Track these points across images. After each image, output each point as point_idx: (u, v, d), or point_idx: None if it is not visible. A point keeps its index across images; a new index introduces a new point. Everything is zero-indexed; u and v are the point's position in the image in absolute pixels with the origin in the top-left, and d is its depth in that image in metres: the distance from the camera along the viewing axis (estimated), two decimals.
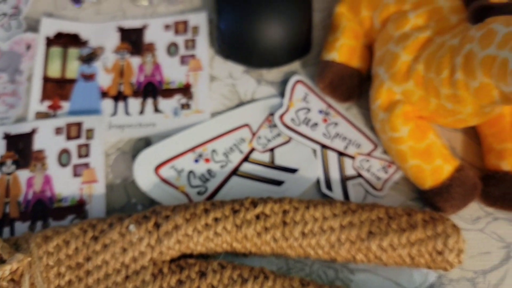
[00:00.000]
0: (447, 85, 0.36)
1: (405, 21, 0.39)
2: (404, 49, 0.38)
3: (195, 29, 0.47)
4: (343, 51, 0.43)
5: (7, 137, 0.42)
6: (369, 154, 0.43)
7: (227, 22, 0.43)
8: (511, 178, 0.39)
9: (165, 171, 0.41)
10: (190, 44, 0.46)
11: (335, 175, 0.42)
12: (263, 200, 0.37)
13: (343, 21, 0.44)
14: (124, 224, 0.36)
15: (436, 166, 0.38)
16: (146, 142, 0.43)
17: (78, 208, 0.40)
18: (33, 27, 0.47)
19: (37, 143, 0.41)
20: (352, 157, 0.43)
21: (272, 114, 0.44)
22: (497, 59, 0.31)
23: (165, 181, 0.40)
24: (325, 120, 0.44)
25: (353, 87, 0.43)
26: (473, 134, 0.43)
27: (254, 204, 0.37)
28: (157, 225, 0.36)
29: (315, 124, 0.43)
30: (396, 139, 0.39)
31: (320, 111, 0.44)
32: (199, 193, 0.41)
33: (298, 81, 0.45)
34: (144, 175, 0.40)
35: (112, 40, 0.46)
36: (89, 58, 0.45)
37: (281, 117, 0.43)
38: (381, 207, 0.37)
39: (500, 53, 0.31)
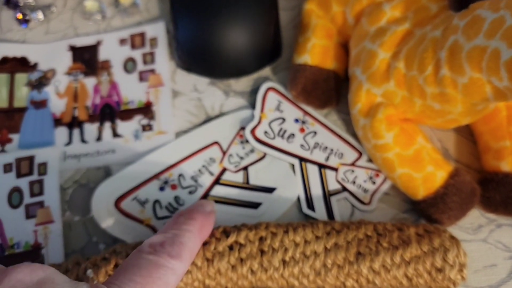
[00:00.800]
0: (432, 83, 0.31)
1: (380, 14, 0.35)
2: (381, 46, 0.34)
3: (153, 41, 0.42)
4: (315, 52, 0.38)
5: None
6: (353, 164, 0.39)
7: (184, 32, 0.39)
8: (511, 179, 0.34)
9: (127, 204, 0.37)
10: (149, 58, 0.42)
11: (317, 191, 0.37)
12: (236, 228, 0.33)
13: (313, 19, 0.39)
14: (81, 269, 0.32)
15: (428, 173, 0.34)
16: (106, 172, 0.38)
17: (33, 253, 0.35)
18: None
19: None
20: (334, 169, 0.38)
21: (243, 128, 0.39)
22: (487, 50, 0.27)
23: (127, 215, 0.36)
24: (302, 130, 0.39)
25: (329, 91, 0.39)
26: (467, 132, 0.39)
27: (226, 233, 0.33)
28: (117, 268, 0.32)
29: (292, 135, 0.39)
30: (380, 147, 0.35)
31: (296, 120, 0.40)
32: None
33: (269, 89, 0.40)
34: (104, 211, 0.36)
35: (63, 61, 0.42)
36: (39, 83, 0.41)
37: (252, 130, 0.39)
38: (368, 224, 0.33)
39: (489, 43, 0.27)
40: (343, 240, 0.32)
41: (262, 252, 0.32)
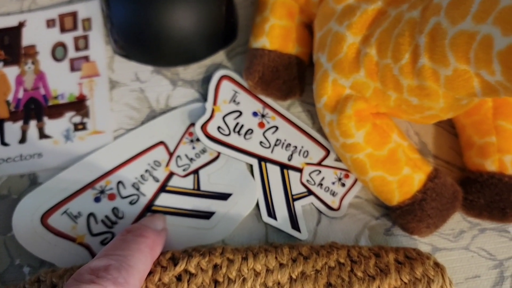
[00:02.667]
0: (409, 74, 0.26)
1: None
2: (349, 28, 0.29)
3: (87, 22, 0.36)
4: (275, 34, 0.33)
5: None
6: (320, 164, 0.34)
7: (118, 11, 0.33)
8: (498, 181, 0.30)
9: (56, 219, 0.31)
10: (82, 43, 0.36)
11: (278, 196, 0.33)
12: (186, 254, 0.28)
13: None
14: None
15: (404, 176, 0.30)
16: (31, 180, 0.33)
17: None
18: None
19: None
20: (299, 170, 0.33)
21: (193, 124, 0.34)
22: (476, 37, 0.22)
23: (56, 232, 0.31)
24: (261, 125, 0.34)
25: (291, 80, 0.33)
26: (447, 123, 0.35)
27: (174, 260, 0.28)
28: None
29: (250, 131, 0.34)
30: (350, 146, 0.30)
31: (255, 114, 0.34)
32: (103, 243, 0.31)
33: (223, 77, 0.35)
34: (28, 228, 0.31)
35: None
36: None
37: (203, 126, 0.33)
38: (341, 249, 0.28)
39: (479, 28, 0.22)
40: (312, 268, 0.27)
41: (216, 283, 0.27)
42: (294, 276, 0.27)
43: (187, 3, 0.32)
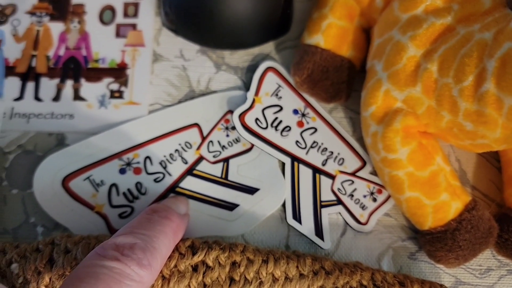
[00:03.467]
0: (469, 97, 0.25)
1: None
2: (412, 39, 0.28)
3: None
4: (331, 33, 0.32)
5: None
6: (354, 174, 0.32)
7: None
8: None
9: (78, 184, 0.30)
10: (131, 9, 0.35)
11: (307, 200, 0.31)
12: (206, 245, 0.27)
13: None
14: (5, 260, 0.26)
15: (441, 202, 0.28)
16: (58, 140, 0.32)
17: None
18: None
19: None
20: (331, 176, 0.32)
21: (231, 112, 0.33)
22: None
23: (76, 197, 0.30)
24: (300, 124, 0.33)
25: (340, 83, 0.32)
26: (492, 155, 0.33)
27: (194, 248, 0.27)
28: (51, 264, 0.26)
29: (287, 128, 0.33)
30: (391, 162, 0.29)
31: (295, 111, 0.33)
32: (121, 216, 0.30)
33: (269, 69, 0.34)
34: (48, 188, 0.30)
35: None
36: None
37: (242, 115, 0.32)
38: (365, 270, 0.27)
39: None
40: (332, 284, 0.26)
41: (232, 280, 0.26)
42: None
43: None
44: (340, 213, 0.32)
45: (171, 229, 0.25)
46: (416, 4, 0.28)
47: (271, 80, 0.33)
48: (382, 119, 0.29)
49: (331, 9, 0.32)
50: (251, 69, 0.34)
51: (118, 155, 0.31)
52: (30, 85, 0.33)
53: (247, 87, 0.34)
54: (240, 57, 0.34)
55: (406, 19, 0.28)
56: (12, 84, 0.33)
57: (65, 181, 0.30)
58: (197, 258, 0.26)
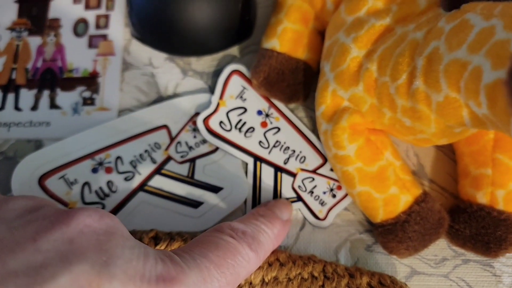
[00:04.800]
0: (404, 95, 0.26)
1: (361, 2, 0.30)
2: (355, 41, 0.29)
3: (110, 2, 0.37)
4: (286, 37, 0.33)
5: None
6: (315, 171, 0.34)
7: None
8: (486, 214, 0.30)
9: (53, 183, 0.33)
10: (103, 21, 0.37)
11: (267, 197, 0.33)
12: (169, 236, 0.29)
13: None
14: None
15: (391, 195, 0.30)
16: (36, 146, 0.34)
17: None
18: None
19: None
20: (292, 174, 0.34)
21: (198, 114, 0.35)
22: (468, 67, 0.22)
23: (51, 195, 0.32)
24: (264, 124, 0.35)
25: (296, 84, 0.34)
26: (449, 149, 0.34)
27: (156, 239, 0.29)
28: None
29: (251, 129, 0.34)
30: (341, 158, 0.30)
31: (259, 112, 0.35)
32: None
33: (234, 72, 0.35)
34: (25, 187, 0.32)
35: (7, 13, 0.37)
36: None
37: (206, 119, 0.34)
38: (318, 262, 0.28)
39: (472, 58, 0.22)
40: (285, 275, 0.28)
41: None
42: (266, 280, 0.28)
43: None
44: (299, 209, 0.33)
45: (273, 233, 0.27)
46: (359, 6, 0.30)
47: (236, 83, 0.35)
48: (331, 118, 0.30)
49: (286, 14, 0.33)
50: (217, 73, 0.36)
51: (90, 155, 0.33)
52: (11, 96, 0.35)
53: (213, 91, 0.35)
54: (206, 62, 0.36)
55: (350, 22, 0.30)
56: None
57: (41, 179, 0.32)
58: (159, 248, 0.28)
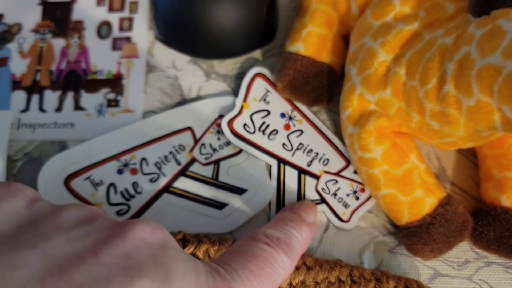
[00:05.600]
0: (434, 99, 0.27)
1: (388, 7, 0.30)
2: (383, 45, 0.29)
3: (134, 5, 0.38)
4: (311, 41, 0.34)
5: None
6: (338, 174, 0.34)
7: (164, 0, 0.34)
8: (510, 217, 0.30)
9: (79, 184, 0.33)
10: (126, 24, 0.37)
11: (291, 200, 0.33)
12: (197, 239, 0.29)
13: (314, 2, 0.34)
14: None
15: (416, 198, 0.30)
16: (61, 147, 0.35)
17: None
18: None
19: None
20: (316, 176, 0.34)
21: (222, 117, 0.35)
22: (502, 72, 0.22)
23: (77, 196, 0.33)
24: (287, 127, 0.35)
25: (320, 88, 0.34)
26: (470, 152, 0.34)
27: (185, 241, 0.29)
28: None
29: (274, 132, 0.35)
30: (367, 161, 0.31)
31: (283, 115, 0.35)
32: (119, 213, 0.33)
33: (257, 75, 0.36)
34: (51, 187, 0.32)
35: (32, 16, 0.38)
36: (1, 38, 0.37)
37: (230, 122, 0.34)
38: (344, 267, 0.29)
39: (506, 63, 0.22)
40: (312, 279, 0.28)
41: None
42: (294, 283, 0.28)
43: (231, 0, 0.33)
44: (323, 211, 0.33)
45: (302, 238, 0.28)
46: (386, 11, 0.30)
47: (259, 86, 0.35)
48: (358, 121, 0.31)
49: (311, 18, 0.34)
50: (240, 76, 0.36)
51: (116, 156, 0.34)
52: (35, 98, 0.35)
53: (236, 93, 0.36)
54: (229, 65, 0.37)
55: (377, 26, 0.30)
56: (19, 97, 0.36)
57: (67, 180, 0.33)
58: (188, 250, 0.28)
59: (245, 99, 0.35)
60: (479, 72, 0.24)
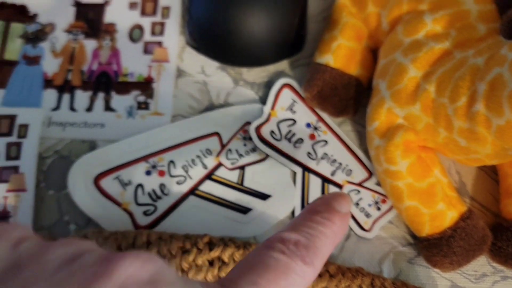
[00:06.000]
0: (462, 116, 0.28)
1: (420, 25, 0.31)
2: (413, 62, 0.30)
3: (166, 10, 0.38)
4: (340, 54, 0.34)
5: None
6: (360, 184, 0.35)
7: (198, 6, 0.35)
8: None
9: (108, 183, 0.34)
10: (158, 28, 0.38)
11: None
12: (222, 242, 0.30)
13: (344, 16, 0.35)
14: None
15: (438, 211, 0.31)
16: (90, 147, 0.35)
17: (1, 219, 0.33)
18: None
19: None
20: (339, 186, 0.35)
21: (248, 123, 0.36)
22: None
23: (106, 195, 0.33)
24: (312, 136, 0.36)
25: (348, 99, 0.35)
26: (491, 168, 0.35)
27: (211, 245, 0.30)
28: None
29: (300, 141, 0.35)
30: (392, 173, 0.31)
31: (308, 125, 0.36)
32: (146, 214, 0.33)
33: (285, 85, 0.36)
34: (81, 185, 0.33)
35: (65, 16, 0.38)
36: (35, 37, 0.38)
37: (258, 128, 0.35)
38: (366, 276, 0.29)
39: None
40: (334, 286, 0.29)
41: None
42: None
43: (264, 10, 0.34)
44: None
45: (332, 231, 0.25)
46: (418, 29, 0.31)
47: (286, 96, 0.36)
48: (385, 134, 0.32)
49: (341, 31, 0.35)
50: (267, 85, 0.37)
51: (144, 158, 0.34)
52: (66, 97, 0.36)
53: (262, 101, 0.37)
54: (257, 73, 0.37)
55: (408, 43, 0.31)
56: (50, 95, 0.36)
57: (97, 179, 0.33)
58: (214, 254, 0.29)
59: (272, 107, 0.36)
60: (511, 93, 0.25)
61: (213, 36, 0.35)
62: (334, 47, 0.35)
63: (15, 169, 0.34)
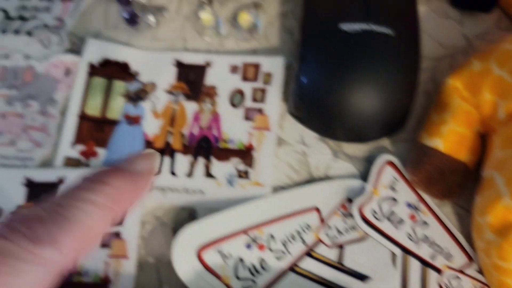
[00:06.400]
0: None
1: None
2: None
3: (268, 77, 0.38)
4: (451, 139, 0.34)
5: (30, 184, 0.35)
6: (461, 271, 0.34)
7: (311, 75, 0.34)
8: None
9: (210, 256, 0.33)
10: (259, 95, 0.38)
11: None
12: None
13: (456, 99, 0.34)
14: None
15: None
16: (190, 214, 0.35)
17: (101, 287, 0.33)
18: (76, 47, 0.40)
19: None
20: (438, 270, 0.34)
21: (349, 200, 0.35)
22: None
23: (208, 268, 0.33)
24: (413, 217, 0.35)
25: (454, 184, 0.34)
26: None
27: None
28: None
29: (401, 221, 0.35)
30: (503, 270, 0.31)
31: (409, 205, 0.35)
32: None
33: (387, 162, 0.36)
34: (184, 259, 0.33)
35: (166, 75, 0.38)
36: (137, 96, 0.38)
37: (360, 207, 0.34)
38: None
39: None
40: None
41: None
42: None
43: (378, 86, 0.33)
44: None
45: (105, 196, 0.21)
46: None
47: (388, 173, 0.36)
48: (500, 230, 0.31)
49: (453, 116, 0.34)
50: (368, 160, 0.37)
51: (245, 231, 0.34)
52: (167, 160, 0.36)
53: (362, 176, 0.36)
54: (357, 147, 0.37)
55: None
56: None
57: (199, 252, 0.33)
58: None
59: (374, 185, 0.35)
60: None
61: (321, 109, 0.35)
62: (444, 131, 0.34)
63: (117, 234, 0.34)
